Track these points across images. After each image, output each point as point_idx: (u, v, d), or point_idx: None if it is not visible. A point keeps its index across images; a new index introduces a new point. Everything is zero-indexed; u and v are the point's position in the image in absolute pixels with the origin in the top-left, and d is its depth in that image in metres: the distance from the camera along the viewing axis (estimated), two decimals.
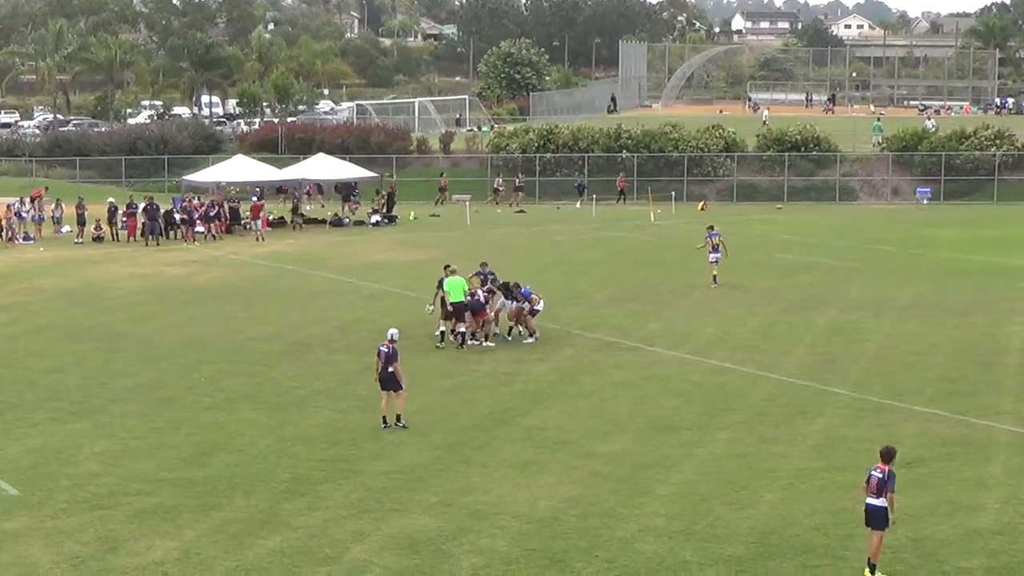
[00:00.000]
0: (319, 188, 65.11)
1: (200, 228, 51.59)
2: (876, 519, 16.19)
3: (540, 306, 30.95)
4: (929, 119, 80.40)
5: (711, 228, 39.64)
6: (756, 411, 24.33)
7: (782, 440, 22.35)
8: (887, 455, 16.41)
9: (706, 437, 22.61)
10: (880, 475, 16.21)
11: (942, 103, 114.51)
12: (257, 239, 51.19)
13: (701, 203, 64.35)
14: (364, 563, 16.77)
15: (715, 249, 38.65)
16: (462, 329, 30.18)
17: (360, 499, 19.24)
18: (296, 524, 18.16)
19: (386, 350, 23.22)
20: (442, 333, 30.35)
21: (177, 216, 52.42)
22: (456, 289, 29.87)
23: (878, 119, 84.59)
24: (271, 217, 56.30)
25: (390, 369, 23.11)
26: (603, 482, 20.04)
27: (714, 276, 38.59)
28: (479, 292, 30.39)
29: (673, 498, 19.27)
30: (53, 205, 54.58)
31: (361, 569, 16.61)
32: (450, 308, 29.86)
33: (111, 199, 54.20)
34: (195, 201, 53.95)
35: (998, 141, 68.36)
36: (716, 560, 16.84)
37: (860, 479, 19.80)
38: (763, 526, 17.95)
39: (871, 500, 16.25)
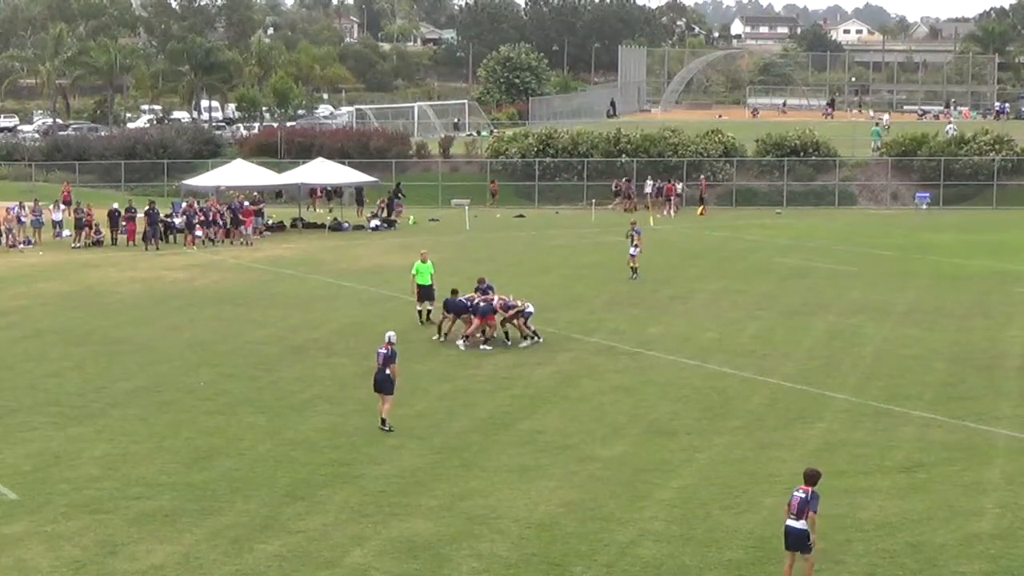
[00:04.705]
0: (327, 193, 64.85)
1: (200, 232, 51.61)
2: (796, 542, 15.65)
3: (530, 308, 30.96)
4: (951, 122, 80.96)
5: (634, 223, 42.16)
6: (755, 416, 24.34)
7: (781, 445, 22.36)
8: (810, 478, 15.81)
9: (705, 442, 22.62)
10: (802, 495, 15.64)
11: (940, 108, 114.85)
12: (245, 243, 51.22)
13: (700, 207, 64.35)
14: (364, 567, 16.78)
15: (635, 244, 40.95)
16: (467, 332, 30.69)
17: (359, 503, 19.25)
18: (296, 528, 18.17)
19: (384, 352, 23.33)
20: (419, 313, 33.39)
21: (177, 220, 52.44)
22: (424, 274, 33.19)
23: (876, 124, 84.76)
24: (270, 221, 56.36)
25: (387, 371, 23.19)
26: (602, 486, 20.05)
27: (634, 268, 40.69)
28: (496, 299, 30.80)
29: (672, 502, 19.28)
30: (52, 207, 54.64)
31: (361, 573, 16.62)
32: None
33: (115, 204, 54.13)
34: (195, 205, 53.96)
35: (997, 146, 68.38)
36: (715, 564, 16.86)
37: (860, 484, 19.93)
38: (762, 531, 17.95)
39: (791, 522, 15.68)
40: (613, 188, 66.49)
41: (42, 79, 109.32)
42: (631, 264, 40.81)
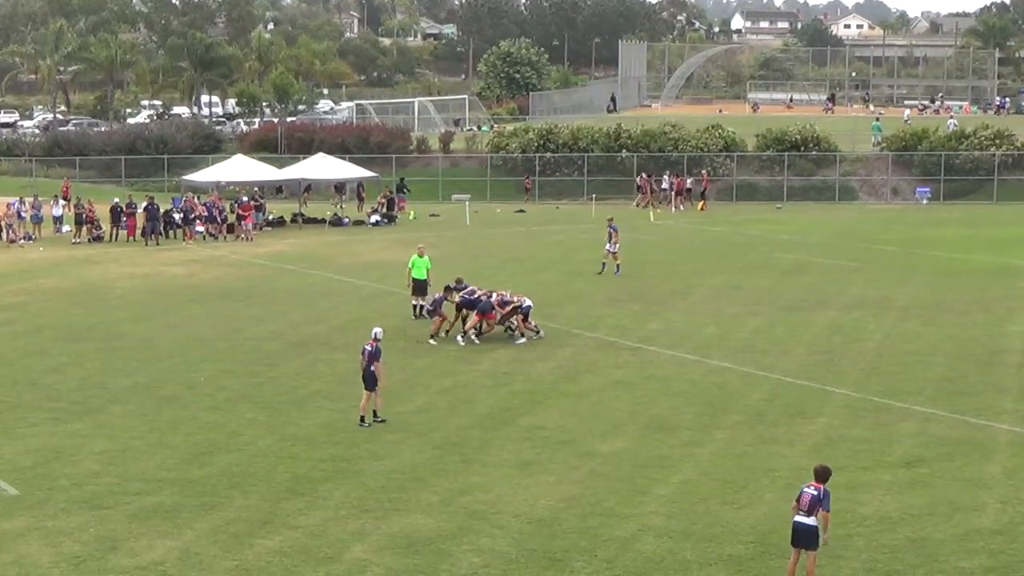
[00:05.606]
0: (339, 188, 64.91)
1: (199, 228, 51.62)
2: (805, 538, 15.55)
3: (528, 303, 30.91)
4: (951, 118, 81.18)
5: (611, 220, 42.06)
6: (755, 411, 24.33)
7: (781, 440, 22.35)
8: (822, 475, 15.76)
9: (706, 437, 22.61)
10: (815, 492, 15.56)
11: (940, 103, 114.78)
12: (245, 238, 51.24)
13: (701, 203, 64.34)
14: (364, 563, 16.77)
15: (613, 241, 41.15)
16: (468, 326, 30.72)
17: (360, 499, 19.24)
18: (296, 524, 18.16)
19: (370, 348, 23.31)
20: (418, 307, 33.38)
21: (176, 216, 52.44)
22: (419, 268, 33.40)
23: (877, 119, 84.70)
24: (271, 217, 56.36)
25: (371, 368, 23.19)
26: (603, 482, 20.04)
27: (617, 264, 40.80)
28: (494, 295, 30.76)
29: (673, 498, 19.27)
30: (52, 203, 54.64)
31: (361, 569, 16.61)
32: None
33: (116, 199, 54.12)
34: (195, 200, 53.98)
35: (997, 141, 68.31)
36: (715, 560, 16.85)
37: (860, 479, 19.92)
38: (762, 526, 17.95)
39: (800, 518, 15.59)
40: (637, 183, 66.12)
41: (42, 75, 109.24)
42: (611, 260, 40.87)
